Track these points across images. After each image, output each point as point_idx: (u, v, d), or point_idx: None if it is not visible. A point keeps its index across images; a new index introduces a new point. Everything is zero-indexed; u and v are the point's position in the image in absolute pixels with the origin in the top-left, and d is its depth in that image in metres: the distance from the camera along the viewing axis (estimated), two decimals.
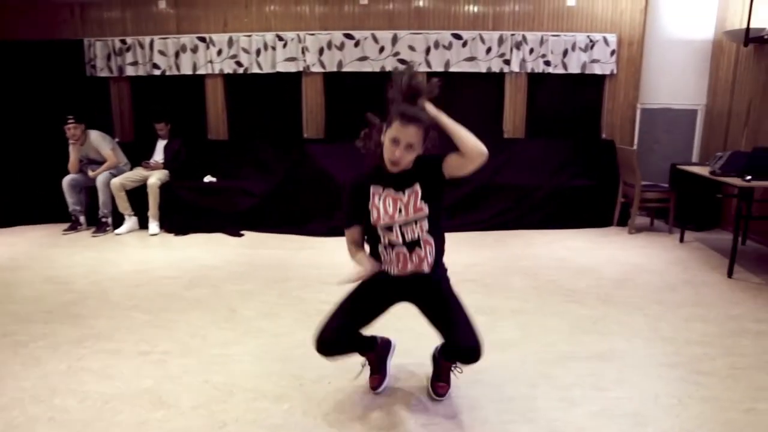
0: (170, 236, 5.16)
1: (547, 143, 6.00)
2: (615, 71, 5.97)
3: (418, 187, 2.07)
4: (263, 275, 4.01)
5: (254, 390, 2.42)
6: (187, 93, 6.18)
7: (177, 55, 6.02)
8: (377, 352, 2.39)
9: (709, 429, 2.12)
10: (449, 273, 2.27)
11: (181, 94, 6.19)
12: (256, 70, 6.06)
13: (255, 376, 2.54)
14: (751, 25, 4.51)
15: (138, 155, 5.59)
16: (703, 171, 4.35)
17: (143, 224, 5.29)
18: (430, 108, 2.00)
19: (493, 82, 6.15)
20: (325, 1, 5.98)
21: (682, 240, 4.88)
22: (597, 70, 5.98)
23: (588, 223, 5.52)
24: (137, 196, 5.26)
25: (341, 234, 5.74)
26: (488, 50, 6.02)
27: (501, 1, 5.96)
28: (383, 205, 2.08)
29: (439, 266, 2.18)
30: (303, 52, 6.00)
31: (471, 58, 6.05)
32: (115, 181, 5.16)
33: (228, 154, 5.95)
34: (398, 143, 1.96)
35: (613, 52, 5.93)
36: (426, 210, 2.07)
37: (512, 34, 5.96)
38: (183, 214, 5.26)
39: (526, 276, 3.99)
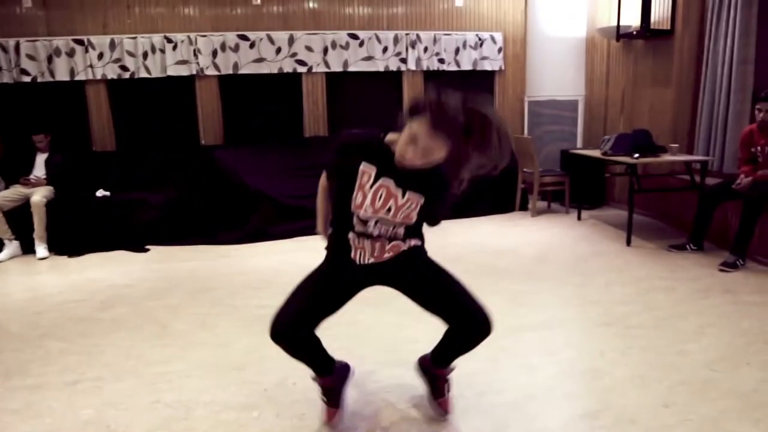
0: (63, 258, 4.61)
1: None
2: (503, 67, 6.39)
3: (421, 199, 1.77)
4: (185, 288, 3.74)
5: (215, 403, 2.25)
6: (66, 101, 5.59)
7: (50, 59, 5.42)
8: (334, 377, 2.02)
9: (655, 372, 2.35)
10: None
11: (59, 103, 5.57)
12: (144, 74, 5.64)
13: (211, 389, 2.36)
14: (621, 23, 5.06)
15: (11, 171, 4.93)
16: (595, 153, 4.80)
17: (27, 248, 4.67)
18: None
19: (391, 80, 6.29)
20: (215, 2, 5.73)
21: (579, 218, 5.34)
22: (487, 66, 6.35)
23: (493, 210, 5.84)
24: (17, 217, 4.64)
25: (257, 240, 5.41)
26: (384, 49, 6.14)
27: (394, 2, 6.11)
28: (372, 195, 1.74)
29: (418, 243, 1.93)
30: (195, 55, 5.70)
31: (368, 58, 6.13)
32: None
33: (118, 166, 5.46)
34: (416, 143, 1.58)
35: (500, 50, 6.34)
36: (413, 221, 1.81)
37: (407, 34, 6.14)
38: (75, 234, 4.73)
39: (454, 261, 4.03)
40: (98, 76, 5.55)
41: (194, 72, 5.73)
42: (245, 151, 5.48)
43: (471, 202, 5.73)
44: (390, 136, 1.76)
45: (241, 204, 5.09)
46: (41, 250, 4.59)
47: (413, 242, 1.90)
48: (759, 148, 3.71)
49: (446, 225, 1.81)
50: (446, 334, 1.94)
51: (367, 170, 1.74)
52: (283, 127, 6.13)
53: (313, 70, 6.02)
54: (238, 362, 2.61)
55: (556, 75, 6.15)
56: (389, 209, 1.76)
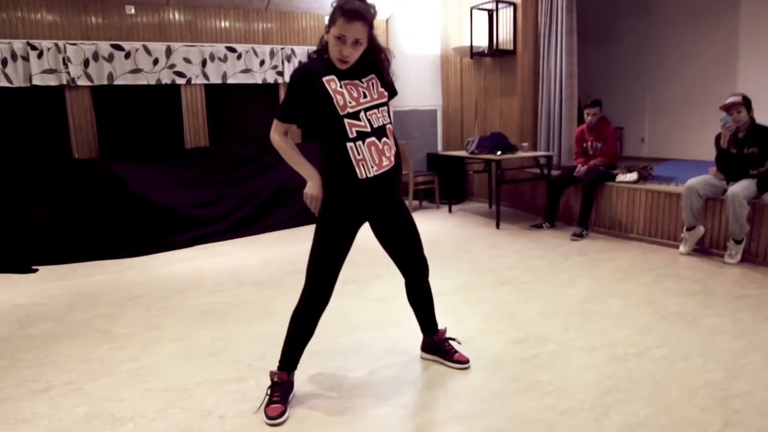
0: None
1: None
2: None
3: (374, 77, 2.09)
4: (108, 299, 3.69)
5: (209, 382, 2.44)
6: None
7: None
8: (290, 378, 2.24)
9: (552, 310, 3.10)
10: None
11: None
12: (4, 83, 5.22)
13: (197, 372, 2.53)
14: (473, 44, 6.03)
15: None
16: (461, 153, 5.65)
17: None
18: None
19: (269, 92, 6.59)
20: (85, 9, 5.53)
21: (450, 211, 6.18)
22: None
23: None
24: None
25: (156, 251, 5.32)
26: (261, 63, 6.44)
27: (267, 17, 6.44)
28: (347, 91, 2.01)
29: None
30: (65, 64, 5.43)
31: (246, 70, 6.37)
32: None
33: None
34: (344, 41, 1.94)
35: None
36: (386, 96, 2.10)
37: (282, 48, 6.51)
38: None
39: (358, 252, 4.61)
40: None
41: (64, 82, 5.45)
42: (140, 164, 5.38)
43: None
44: (327, 55, 2.06)
45: (132, 217, 5.02)
46: None
47: (394, 146, 2.15)
48: (589, 143, 4.84)
49: None
50: (411, 301, 2.48)
51: (330, 79, 2.01)
52: (163, 139, 6.08)
53: (192, 82, 6.09)
54: (208, 350, 2.80)
55: (417, 88, 6.98)
56: (365, 94, 2.04)
